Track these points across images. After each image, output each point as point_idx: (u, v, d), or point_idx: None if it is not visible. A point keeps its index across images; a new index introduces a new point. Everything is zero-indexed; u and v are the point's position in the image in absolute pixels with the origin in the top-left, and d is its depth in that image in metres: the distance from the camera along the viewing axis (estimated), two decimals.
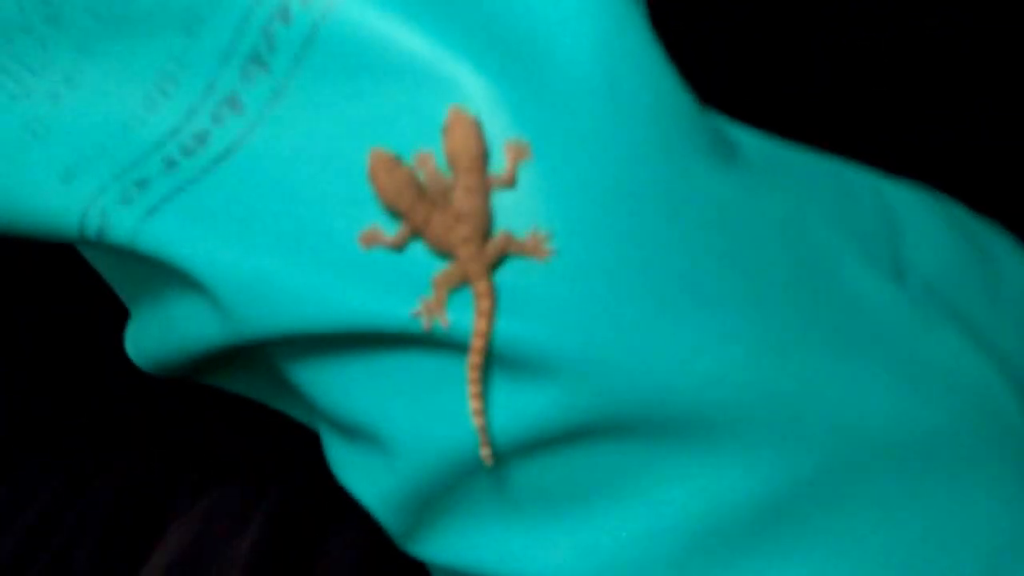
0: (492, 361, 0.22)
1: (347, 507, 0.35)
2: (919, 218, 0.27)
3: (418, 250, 0.22)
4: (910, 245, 0.26)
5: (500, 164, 0.22)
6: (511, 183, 0.22)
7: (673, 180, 0.22)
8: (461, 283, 0.22)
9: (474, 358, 0.21)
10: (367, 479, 0.24)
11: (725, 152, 0.24)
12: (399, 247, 0.22)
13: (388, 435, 0.23)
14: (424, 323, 0.22)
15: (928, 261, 0.26)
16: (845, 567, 0.23)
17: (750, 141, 0.26)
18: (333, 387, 0.23)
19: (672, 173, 0.23)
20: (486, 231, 0.22)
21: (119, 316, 0.28)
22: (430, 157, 0.22)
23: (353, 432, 0.23)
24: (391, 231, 0.22)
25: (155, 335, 0.25)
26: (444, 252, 0.22)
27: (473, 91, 0.22)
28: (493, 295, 0.21)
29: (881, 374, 0.24)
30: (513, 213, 0.22)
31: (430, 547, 0.24)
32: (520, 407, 0.22)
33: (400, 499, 0.23)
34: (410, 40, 0.22)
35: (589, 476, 0.23)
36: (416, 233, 0.22)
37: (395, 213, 0.22)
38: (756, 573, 0.23)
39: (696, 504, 0.23)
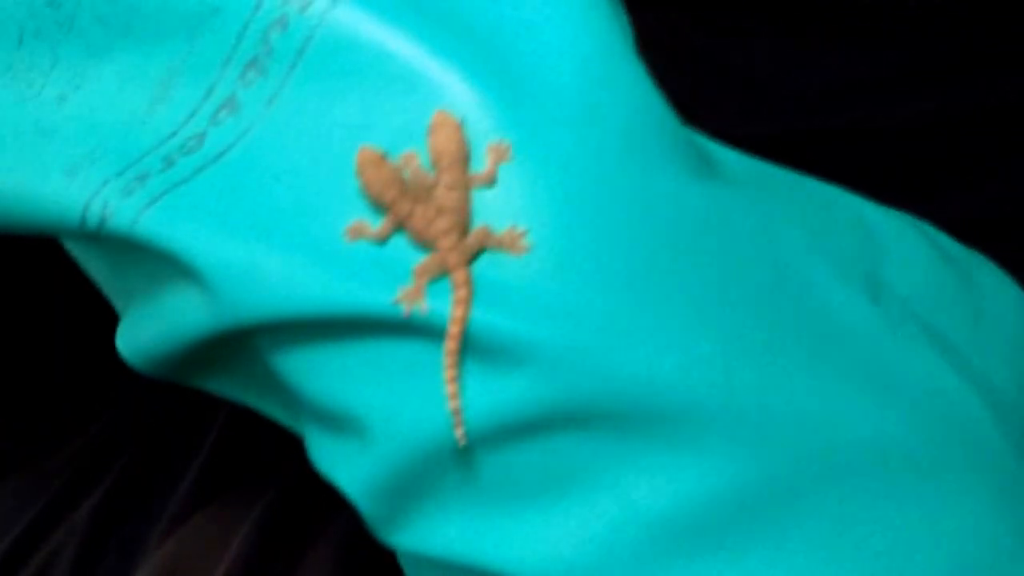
0: (467, 350, 0.23)
1: (327, 521, 0.36)
2: (899, 241, 0.28)
3: (400, 243, 0.23)
4: (888, 265, 0.27)
5: (482, 165, 0.23)
6: (491, 182, 0.23)
7: (647, 186, 0.24)
8: (440, 273, 0.23)
9: (451, 343, 0.23)
10: (347, 466, 0.25)
11: (702, 165, 0.25)
12: (383, 239, 0.23)
13: (367, 420, 0.24)
14: (404, 309, 0.23)
15: (906, 282, 0.27)
16: (805, 568, 0.24)
17: (731, 158, 0.27)
18: (316, 374, 0.24)
19: (647, 179, 0.24)
20: (465, 225, 0.23)
21: (105, 338, 0.29)
22: (415, 157, 0.24)
23: (334, 420, 0.24)
24: (376, 225, 0.23)
25: (148, 328, 0.26)
26: (425, 244, 0.23)
27: (459, 96, 0.23)
28: (470, 284, 0.23)
29: (849, 383, 0.25)
30: (492, 210, 0.23)
31: (405, 535, 0.25)
32: (493, 394, 0.23)
33: (378, 484, 0.24)
34: (402, 47, 0.24)
35: (557, 467, 0.24)
36: (399, 226, 0.23)
37: (380, 207, 0.23)
38: (717, 569, 0.24)
39: (661, 498, 0.23)
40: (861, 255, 0.26)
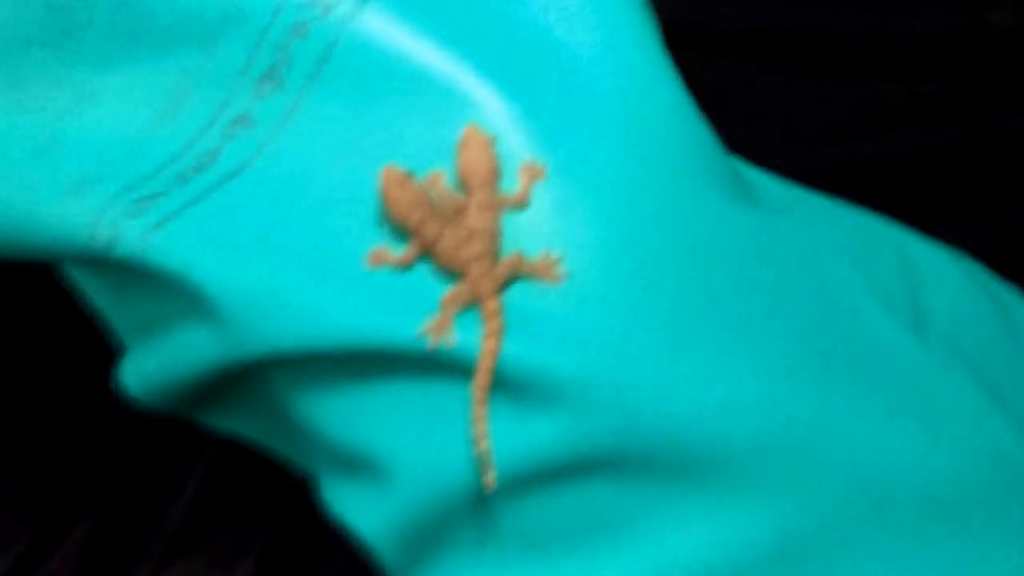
0: (496, 387, 0.21)
1: (322, 561, 0.35)
2: (940, 274, 0.26)
3: (424, 271, 0.22)
4: (929, 298, 0.26)
5: (514, 186, 0.22)
6: (524, 203, 0.22)
7: (689, 212, 0.22)
8: (470, 303, 0.21)
9: (481, 379, 0.21)
10: (366, 510, 0.23)
11: (745, 191, 0.24)
12: (407, 266, 0.21)
13: (387, 463, 0.22)
14: (430, 342, 0.21)
15: (946, 315, 0.26)
16: None
17: (772, 185, 0.25)
18: (333, 414, 0.22)
19: (690, 204, 0.22)
20: (497, 250, 0.21)
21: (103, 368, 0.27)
22: (442, 176, 0.22)
23: (351, 462, 0.23)
24: (399, 250, 0.22)
25: (154, 360, 0.25)
26: (454, 270, 0.21)
27: (492, 112, 0.22)
28: (502, 315, 0.21)
29: (898, 421, 0.23)
30: (524, 235, 0.22)
31: None
32: (524, 435, 0.21)
33: (400, 529, 0.22)
34: (433, 58, 0.22)
35: (590, 515, 0.22)
36: (425, 252, 0.21)
37: (405, 230, 0.21)
38: None
39: (703, 547, 0.22)
40: (903, 287, 0.25)
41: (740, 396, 0.22)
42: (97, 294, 0.26)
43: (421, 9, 0.22)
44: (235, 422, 0.26)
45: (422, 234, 0.21)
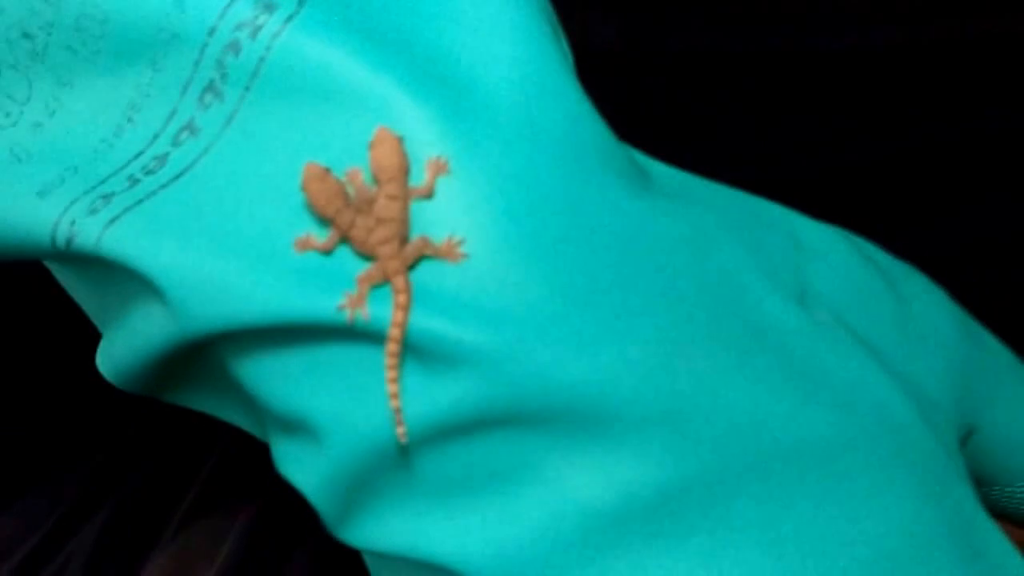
0: (408, 354, 0.24)
1: (308, 531, 0.37)
2: (829, 251, 0.29)
3: (345, 254, 0.25)
4: (816, 273, 0.28)
5: (422, 179, 0.25)
6: (430, 194, 0.25)
7: (582, 197, 0.25)
8: (381, 280, 0.24)
9: (391, 346, 0.24)
10: (303, 467, 0.26)
11: (638, 178, 0.26)
12: (328, 251, 0.25)
13: (318, 422, 0.25)
14: (348, 316, 0.24)
15: (834, 290, 0.28)
16: (735, 558, 0.25)
17: (666, 172, 0.28)
18: (273, 380, 0.25)
19: (582, 191, 0.25)
20: (405, 235, 0.24)
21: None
22: (359, 173, 0.25)
23: (291, 424, 0.26)
24: (322, 237, 0.25)
25: (120, 344, 0.28)
26: (367, 253, 0.24)
27: (403, 113, 0.25)
28: (410, 291, 0.24)
29: (777, 384, 0.26)
30: (431, 221, 0.25)
31: (357, 532, 0.26)
32: (433, 395, 0.24)
33: (330, 484, 0.25)
34: (347, 67, 0.25)
35: (496, 464, 0.25)
36: (343, 238, 0.25)
37: (325, 220, 0.24)
38: (650, 559, 0.25)
39: (597, 490, 0.24)
40: (790, 263, 0.27)
41: (625, 361, 0.24)
42: (71, 287, 0.30)
43: (341, 26, 0.25)
44: (198, 399, 0.29)
45: (339, 222, 0.24)
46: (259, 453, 0.31)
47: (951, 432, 0.28)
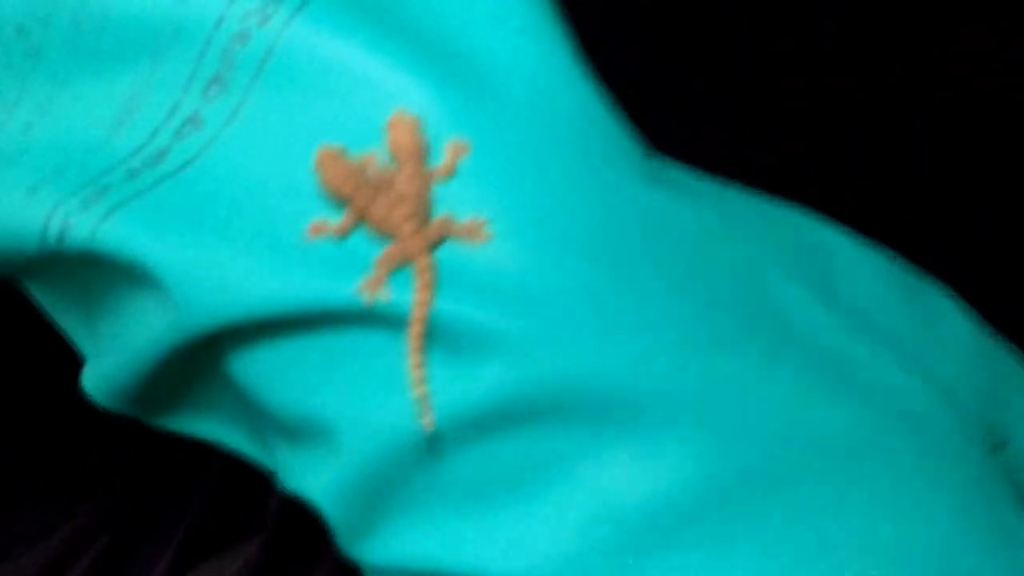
0: (432, 340, 0.23)
1: (317, 557, 0.35)
2: (850, 254, 0.28)
3: (361, 237, 0.23)
4: (838, 273, 0.27)
5: (441, 161, 0.24)
6: (450, 173, 0.23)
7: (603, 184, 0.24)
8: (402, 262, 0.23)
9: (415, 328, 0.22)
10: (315, 473, 0.24)
11: (655, 173, 0.26)
12: (343, 234, 0.23)
13: (333, 421, 0.23)
14: (367, 299, 0.22)
15: (856, 290, 0.27)
16: (773, 559, 0.23)
17: (687, 174, 0.28)
18: (281, 379, 0.24)
19: (602, 178, 0.24)
20: (426, 214, 0.23)
21: None
22: (374, 156, 0.24)
23: (301, 428, 0.24)
24: (336, 221, 0.23)
25: (110, 356, 0.26)
26: (386, 232, 0.23)
27: (417, 99, 0.24)
28: (433, 270, 0.23)
29: (805, 379, 0.24)
30: (453, 201, 0.23)
31: (374, 547, 0.24)
32: (460, 384, 0.22)
33: (346, 489, 0.23)
34: (359, 56, 0.24)
35: (527, 463, 0.23)
36: (360, 219, 0.23)
37: (340, 200, 0.23)
38: (696, 559, 0.23)
39: (636, 489, 0.23)
40: (813, 262, 0.27)
41: (655, 348, 0.23)
42: (54, 305, 0.28)
43: (353, 15, 0.25)
44: (192, 419, 0.27)
45: (356, 200, 0.23)
46: (255, 484, 0.29)
47: (982, 431, 0.27)
